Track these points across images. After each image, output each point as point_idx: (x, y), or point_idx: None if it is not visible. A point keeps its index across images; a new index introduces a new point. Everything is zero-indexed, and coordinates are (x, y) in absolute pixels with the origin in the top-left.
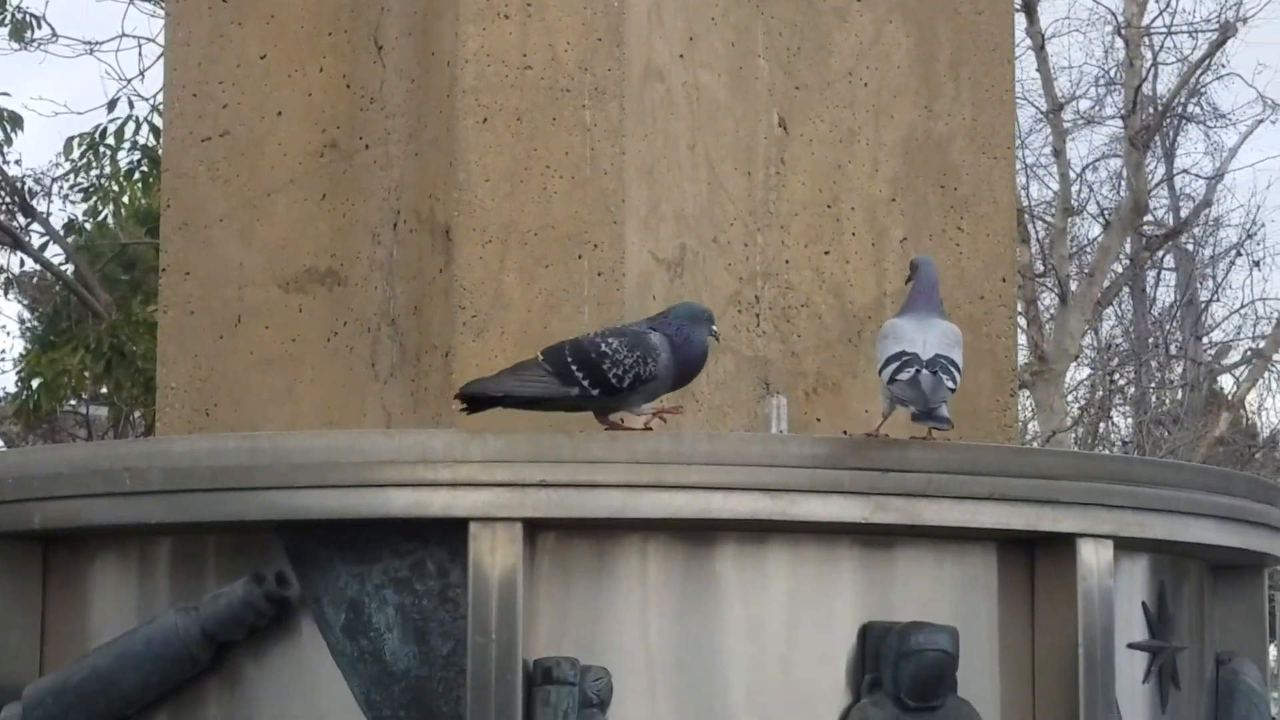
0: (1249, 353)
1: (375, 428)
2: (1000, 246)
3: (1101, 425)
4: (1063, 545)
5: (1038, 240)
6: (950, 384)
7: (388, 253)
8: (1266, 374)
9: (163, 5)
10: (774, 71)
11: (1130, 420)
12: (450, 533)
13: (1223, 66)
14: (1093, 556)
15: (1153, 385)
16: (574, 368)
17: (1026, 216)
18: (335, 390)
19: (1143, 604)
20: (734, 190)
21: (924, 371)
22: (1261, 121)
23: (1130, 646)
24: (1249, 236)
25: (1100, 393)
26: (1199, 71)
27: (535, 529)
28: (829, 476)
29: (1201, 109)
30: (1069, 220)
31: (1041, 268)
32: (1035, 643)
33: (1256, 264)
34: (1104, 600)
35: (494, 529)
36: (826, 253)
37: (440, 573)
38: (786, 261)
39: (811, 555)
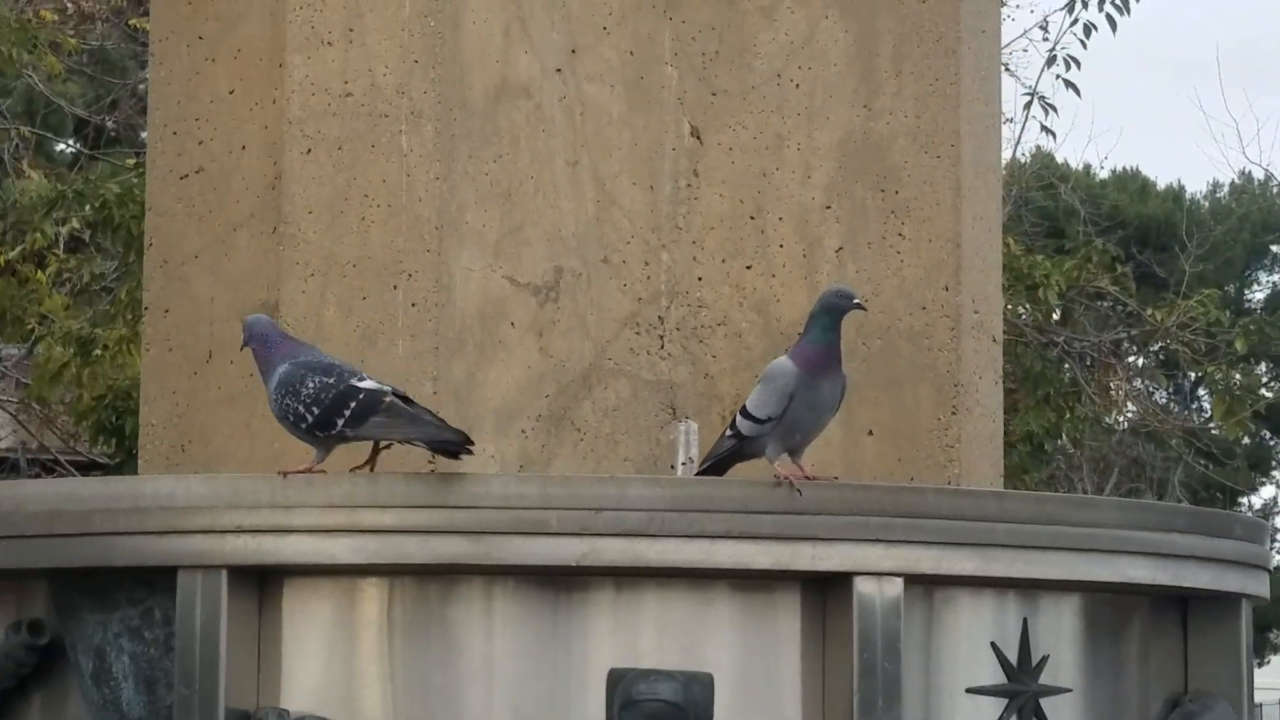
0: None
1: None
2: (943, 252)
3: None
4: (842, 584)
5: None
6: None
7: None
8: None
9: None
10: (685, 79)
11: None
12: (173, 580)
13: None
14: (875, 594)
15: None
16: None
17: None
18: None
19: (992, 644)
20: (631, 207)
21: None
22: None
23: (970, 692)
24: None
25: None
26: None
27: (264, 576)
28: (534, 517)
29: None
30: None
31: None
32: (825, 690)
33: None
34: (889, 642)
35: (196, 576)
36: (749, 267)
37: (165, 621)
38: (699, 279)
39: (576, 598)
